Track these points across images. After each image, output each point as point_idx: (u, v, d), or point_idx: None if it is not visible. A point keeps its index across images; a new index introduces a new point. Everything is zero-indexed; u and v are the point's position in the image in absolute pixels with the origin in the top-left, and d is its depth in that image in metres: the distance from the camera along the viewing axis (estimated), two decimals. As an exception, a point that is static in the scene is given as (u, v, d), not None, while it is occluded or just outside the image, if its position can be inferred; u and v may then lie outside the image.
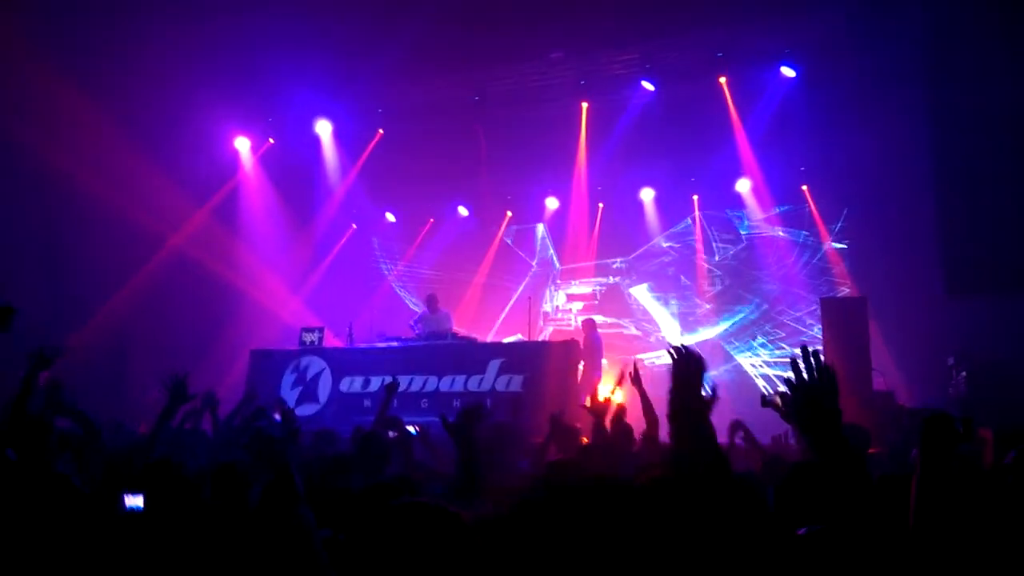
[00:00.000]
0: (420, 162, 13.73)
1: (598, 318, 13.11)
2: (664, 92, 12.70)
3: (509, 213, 15.35)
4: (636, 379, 5.24)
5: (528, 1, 11.31)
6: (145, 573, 2.84)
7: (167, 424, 4.76)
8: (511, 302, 14.80)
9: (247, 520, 3.04)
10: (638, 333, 14.21)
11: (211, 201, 13.61)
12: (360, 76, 12.63)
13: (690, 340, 12.81)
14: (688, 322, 13.94)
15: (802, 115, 11.90)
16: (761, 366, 13.18)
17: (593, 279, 14.88)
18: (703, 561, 1.66)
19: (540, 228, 15.36)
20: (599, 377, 10.94)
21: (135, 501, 3.35)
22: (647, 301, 14.37)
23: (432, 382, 9.90)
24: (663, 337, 13.76)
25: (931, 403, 9.00)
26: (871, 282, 11.24)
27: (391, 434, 5.25)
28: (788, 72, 12.01)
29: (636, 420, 5.69)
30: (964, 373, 9.45)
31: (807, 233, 13.30)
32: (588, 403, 5.88)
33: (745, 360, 13.34)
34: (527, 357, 10.00)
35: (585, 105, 13.58)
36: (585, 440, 5.61)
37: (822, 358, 1.98)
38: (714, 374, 12.68)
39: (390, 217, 15.77)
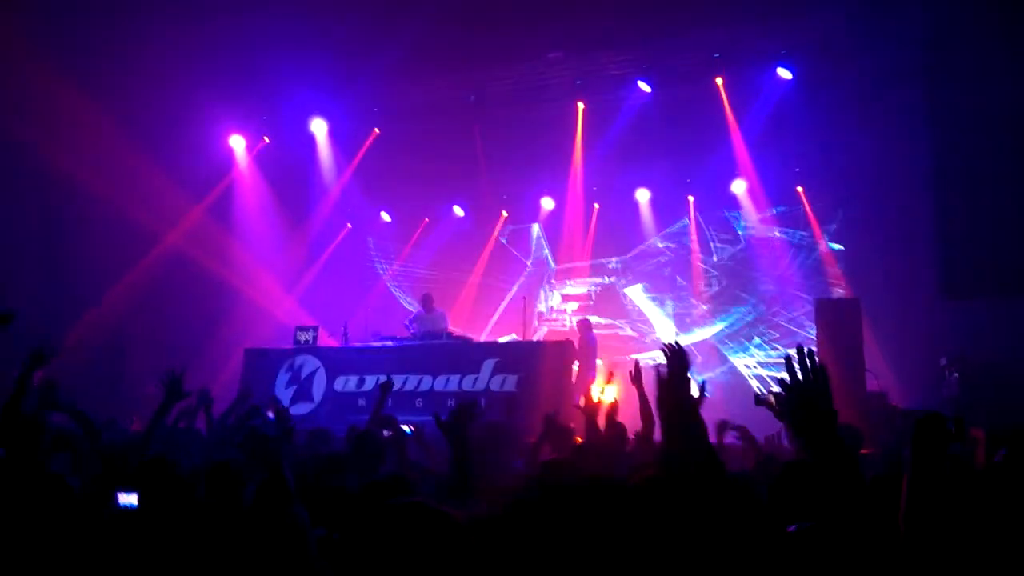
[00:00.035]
0: (416, 161, 13.73)
1: (593, 318, 13.12)
2: (660, 93, 12.71)
3: (505, 213, 15.34)
4: (636, 379, 5.22)
5: (526, 1, 11.31)
6: (139, 572, 2.84)
7: (162, 421, 4.76)
8: (505, 302, 14.80)
9: (241, 519, 3.04)
10: (634, 334, 14.20)
11: (207, 199, 13.60)
12: (358, 76, 12.63)
13: (685, 341, 12.82)
14: (685, 323, 13.93)
15: (798, 116, 11.90)
16: (756, 367, 13.20)
17: (588, 279, 14.88)
18: (697, 561, 1.66)
19: (535, 228, 15.36)
20: (593, 377, 10.94)
21: (129, 499, 3.35)
22: (642, 302, 14.37)
23: (427, 381, 9.90)
24: (658, 338, 13.76)
25: (924, 404, 9.02)
26: (867, 283, 11.24)
27: (385, 433, 5.25)
28: (784, 74, 12.02)
29: (627, 419, 5.70)
30: (956, 374, 9.48)
31: (804, 234, 13.31)
32: (582, 403, 5.88)
33: (740, 361, 13.35)
34: (522, 357, 10.01)
35: (581, 105, 13.58)
36: (579, 440, 5.62)
37: (817, 359, 1.98)
38: (710, 376, 12.70)
39: (385, 216, 15.76)
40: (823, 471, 1.87)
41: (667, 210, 14.22)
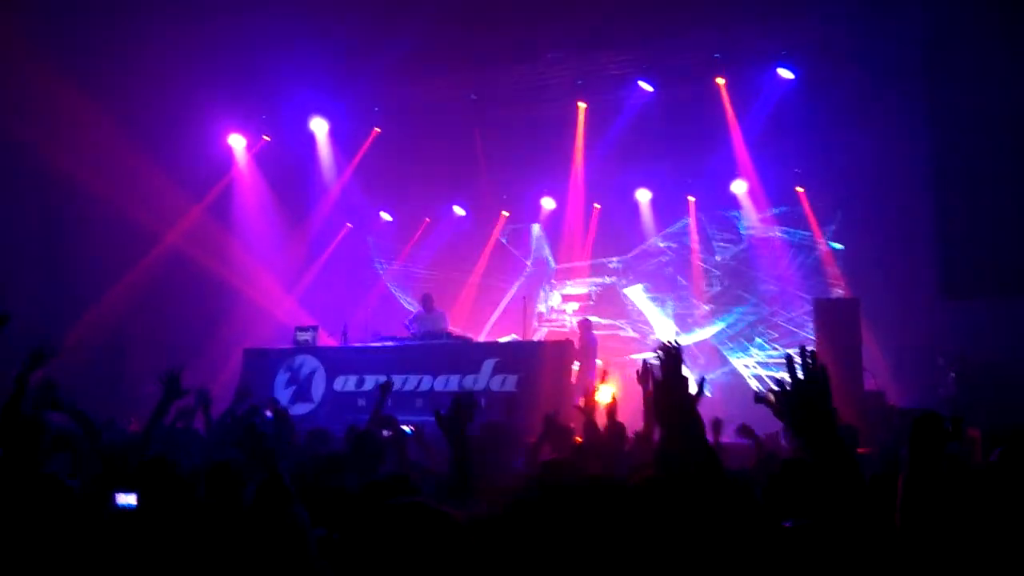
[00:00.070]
0: (416, 161, 13.73)
1: (593, 319, 13.10)
2: (661, 93, 12.72)
3: (505, 213, 15.33)
4: (644, 379, 5.17)
5: (526, 1, 11.32)
6: (139, 572, 2.84)
7: (161, 421, 4.76)
8: (505, 302, 14.79)
9: (241, 519, 3.04)
10: (635, 335, 14.16)
11: (206, 199, 13.60)
12: (358, 76, 12.64)
13: (686, 341, 12.82)
14: (686, 323, 13.91)
15: (799, 116, 11.91)
16: (755, 367, 13.19)
17: (588, 279, 14.86)
18: (696, 560, 1.67)
19: (536, 228, 15.35)
20: (594, 377, 10.94)
21: (128, 499, 3.36)
22: (643, 302, 14.35)
23: (427, 381, 9.89)
24: (657, 339, 13.74)
25: (921, 404, 9.03)
26: (867, 283, 11.24)
27: (385, 433, 5.25)
28: (785, 74, 12.01)
29: (626, 419, 5.70)
30: (953, 374, 9.50)
31: (804, 234, 13.29)
32: (582, 403, 5.88)
33: (739, 361, 13.34)
34: (522, 357, 10.00)
35: (582, 105, 13.58)
36: (579, 440, 5.62)
37: (817, 360, 1.98)
38: (711, 376, 12.68)
39: (385, 216, 15.75)
40: (823, 470, 1.87)
41: (667, 210, 14.19)
